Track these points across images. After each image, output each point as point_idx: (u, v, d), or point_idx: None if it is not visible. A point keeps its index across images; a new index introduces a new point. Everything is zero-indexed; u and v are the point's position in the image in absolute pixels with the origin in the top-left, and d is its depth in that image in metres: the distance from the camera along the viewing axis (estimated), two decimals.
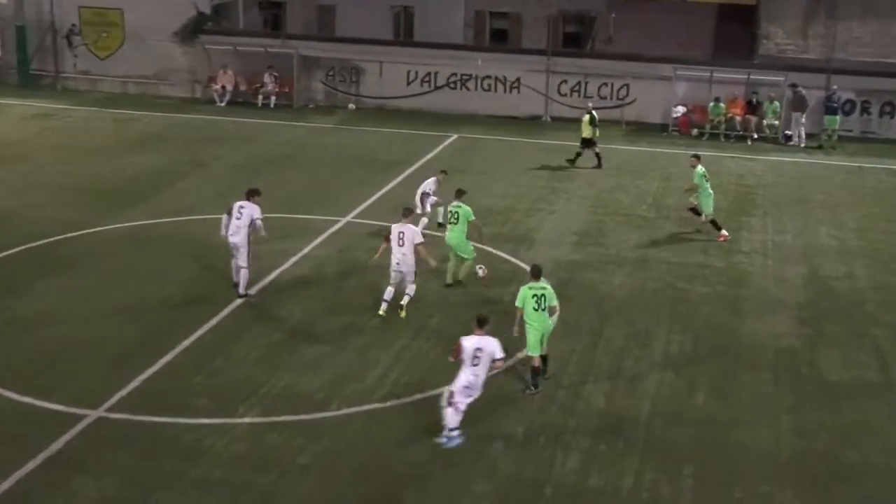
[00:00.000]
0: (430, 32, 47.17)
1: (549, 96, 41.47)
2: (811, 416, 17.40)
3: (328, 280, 23.05)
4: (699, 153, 28.42)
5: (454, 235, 22.39)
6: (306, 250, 24.74)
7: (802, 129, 38.26)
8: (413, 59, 42.93)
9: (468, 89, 42.59)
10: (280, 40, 44.58)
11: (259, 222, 21.45)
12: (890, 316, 21.96)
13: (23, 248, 24.37)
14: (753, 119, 38.94)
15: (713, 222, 26.84)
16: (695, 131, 39.51)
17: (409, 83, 42.96)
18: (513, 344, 18.09)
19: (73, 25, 45.80)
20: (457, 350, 15.98)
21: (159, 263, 23.63)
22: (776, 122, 38.88)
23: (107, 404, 16.91)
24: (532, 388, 17.84)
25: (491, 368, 16.17)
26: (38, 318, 20.50)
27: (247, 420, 16.66)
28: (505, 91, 42.33)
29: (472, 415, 16.65)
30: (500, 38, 49.77)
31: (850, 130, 39.15)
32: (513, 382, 18.11)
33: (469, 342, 15.94)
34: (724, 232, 26.67)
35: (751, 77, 39.68)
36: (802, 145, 38.02)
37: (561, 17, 47.60)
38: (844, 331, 21.10)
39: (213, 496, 14.70)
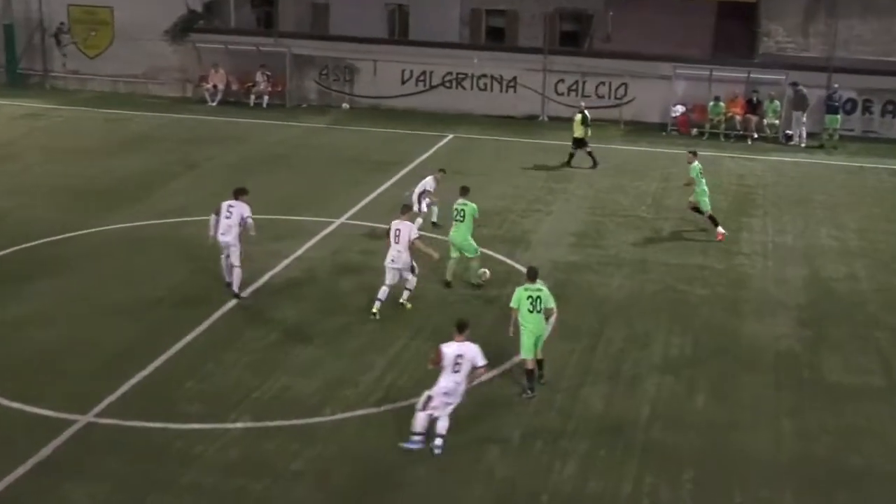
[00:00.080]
0: (425, 31, 47.10)
1: (546, 95, 41.50)
2: (812, 419, 17.42)
3: (322, 282, 23.05)
4: (695, 150, 28.52)
5: (459, 233, 22.44)
6: (300, 252, 24.73)
7: (803, 128, 38.33)
8: (408, 58, 42.94)
9: (464, 88, 42.61)
10: (272, 39, 44.57)
11: (250, 221, 21.54)
12: (892, 317, 21.99)
13: (12, 250, 24.34)
14: (754, 118, 38.98)
15: (711, 218, 26.95)
16: (694, 131, 39.56)
17: (403, 82, 42.98)
18: (508, 347, 18.13)
19: (62, 24, 45.77)
20: (437, 356, 15.90)
21: (151, 265, 23.61)
22: (777, 122, 38.93)
23: (96, 409, 16.87)
24: (528, 391, 17.84)
25: (472, 377, 16.09)
26: (28, 321, 20.46)
27: (239, 425, 16.63)
28: (501, 90, 42.36)
29: (467, 419, 16.70)
30: (496, 36, 49.68)
31: (852, 130, 39.22)
32: (509, 386, 18.10)
33: (449, 349, 15.87)
34: (720, 230, 26.75)
35: (751, 76, 39.75)
36: (803, 145, 38.08)
37: (558, 15, 47.50)
38: (845, 333, 21.13)
39: (205, 503, 14.68)
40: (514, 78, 41.95)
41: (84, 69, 45.94)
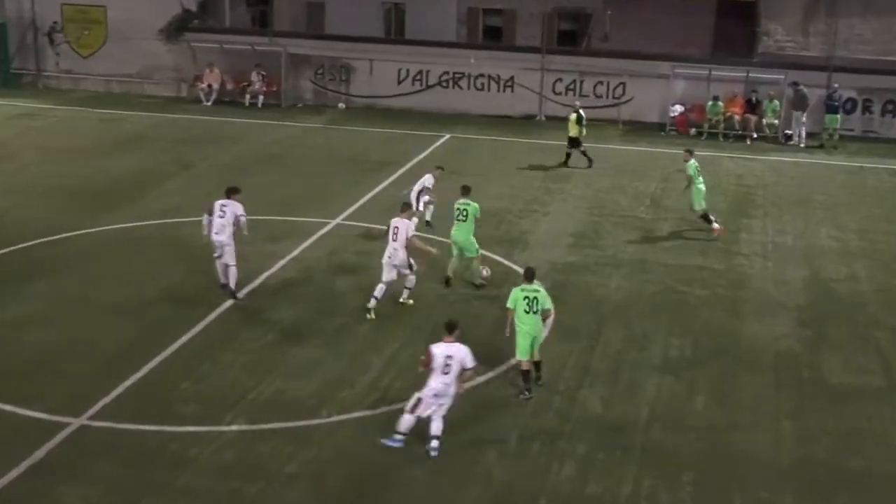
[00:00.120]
0: (422, 30, 47.11)
1: (544, 95, 41.49)
2: (812, 421, 17.41)
3: (318, 283, 23.03)
4: (691, 148, 28.58)
5: (462, 233, 22.45)
6: (296, 252, 24.71)
7: (803, 128, 38.33)
8: (404, 57, 42.92)
9: (461, 88, 42.60)
10: (268, 38, 44.54)
11: (243, 219, 21.57)
12: (892, 318, 21.99)
13: (7, 250, 24.31)
14: (753, 118, 38.99)
15: (704, 216, 27.04)
16: (693, 131, 39.56)
17: (400, 82, 42.97)
18: (505, 349, 18.12)
19: (55, 23, 45.73)
20: (427, 358, 15.86)
21: (146, 266, 23.58)
22: (776, 122, 38.94)
23: (90, 412, 16.84)
24: (525, 392, 17.82)
25: (462, 379, 16.02)
26: (22, 322, 20.43)
27: (234, 428, 16.60)
28: (498, 90, 42.36)
29: (464, 421, 16.71)
30: (493, 35, 49.72)
31: (852, 129, 39.23)
32: (506, 388, 18.09)
33: (439, 349, 15.84)
34: (716, 225, 26.83)
35: (750, 75, 39.75)
36: (803, 145, 38.10)
37: (556, 14, 47.55)
38: (846, 333, 21.13)
39: None
40: (512, 77, 41.96)
41: (77, 69, 45.90)
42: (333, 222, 27.06)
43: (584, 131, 34.07)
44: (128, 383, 17.84)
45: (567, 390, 18.19)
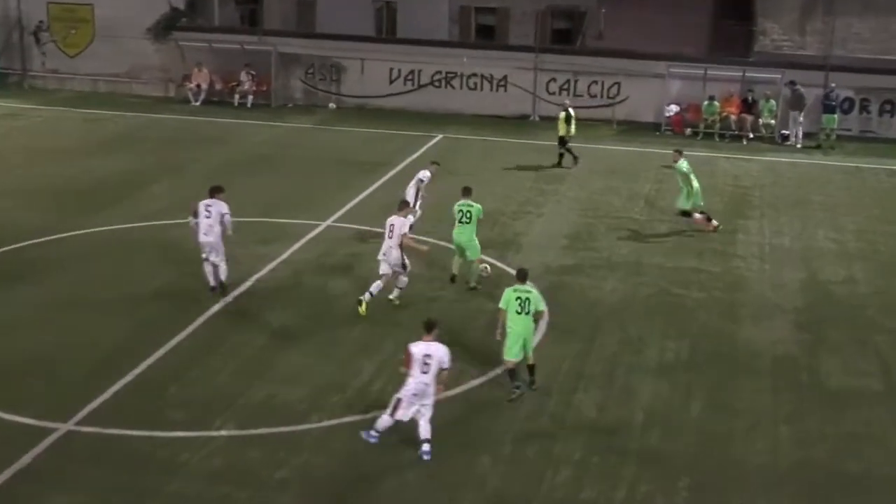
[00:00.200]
0: (414, 28, 47.15)
1: (538, 95, 41.52)
2: (811, 425, 17.42)
3: (309, 286, 23.01)
4: (680, 148, 28.71)
5: (465, 234, 22.52)
6: (286, 255, 24.69)
7: (800, 128, 38.40)
8: (396, 57, 42.96)
9: (453, 88, 42.66)
10: (257, 37, 44.57)
11: (228, 218, 21.64)
12: (891, 321, 22.02)
13: None
14: (749, 118, 39.07)
15: (684, 213, 27.34)
16: (688, 131, 39.62)
17: (391, 81, 43.00)
18: (499, 352, 18.11)
19: (41, 22, 45.71)
20: (407, 358, 15.88)
21: (133, 269, 23.54)
22: (772, 122, 39.01)
23: (77, 417, 16.80)
24: (514, 390, 17.86)
25: (440, 380, 15.98)
26: (6, 327, 20.37)
27: (224, 433, 16.57)
28: (491, 89, 42.40)
29: (458, 425, 16.75)
30: (486, 34, 49.77)
31: (849, 129, 39.32)
32: (499, 391, 18.04)
33: (417, 348, 15.87)
34: (697, 216, 27.16)
35: (746, 74, 39.83)
36: (799, 145, 38.18)
37: (549, 13, 47.63)
38: (844, 337, 21.15)
39: None
40: (505, 77, 41.99)
41: (64, 68, 45.90)
42: (324, 224, 27.04)
43: (573, 130, 34.12)
44: (116, 388, 17.81)
45: (561, 394, 18.19)
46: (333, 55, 43.34)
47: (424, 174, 25.88)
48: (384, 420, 15.97)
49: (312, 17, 50.32)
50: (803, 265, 25.25)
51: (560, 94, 40.74)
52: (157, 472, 15.41)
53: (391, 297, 21.56)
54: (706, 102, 39.16)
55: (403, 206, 21.98)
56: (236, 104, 42.72)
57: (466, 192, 23.03)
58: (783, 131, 38.78)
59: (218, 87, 43.33)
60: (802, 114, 38.37)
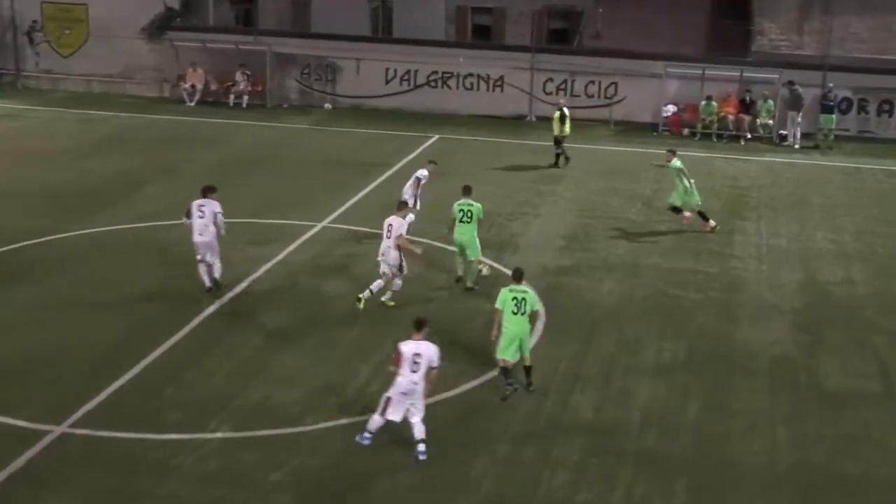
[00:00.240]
0: (410, 28, 47.17)
1: (534, 95, 41.53)
2: (809, 427, 17.43)
3: (304, 287, 23.01)
4: (674, 148, 28.81)
5: (466, 234, 22.56)
6: (281, 256, 24.69)
7: (798, 128, 38.42)
8: (392, 57, 42.98)
9: (449, 88, 42.67)
10: (252, 37, 44.56)
11: (220, 217, 21.76)
12: (890, 322, 22.04)
13: None
14: (747, 118, 39.10)
15: (674, 208, 27.50)
16: (686, 131, 39.65)
17: (387, 81, 43.01)
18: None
19: (35, 21, 45.69)
20: (396, 357, 15.95)
21: (127, 271, 23.53)
22: (770, 122, 39.05)
23: (71, 419, 16.78)
24: (507, 388, 17.92)
25: (429, 379, 16.00)
26: (1, 328, 20.36)
27: (219, 435, 16.57)
28: (488, 90, 42.43)
29: (454, 427, 16.75)
30: (482, 34, 49.80)
31: (847, 130, 39.37)
32: (496, 393, 18.04)
33: (407, 347, 15.93)
34: (687, 214, 27.33)
35: (744, 74, 39.88)
36: (797, 146, 38.20)
37: (546, 12, 47.65)
38: (843, 338, 21.16)
39: None
40: (501, 77, 42.03)
41: (58, 68, 45.88)
42: (320, 225, 27.04)
43: (568, 129, 34.14)
44: (110, 390, 17.80)
45: (558, 395, 18.20)
46: (329, 55, 43.35)
47: (422, 173, 25.92)
48: (375, 420, 16.02)
49: (308, 16, 50.30)
50: (801, 266, 25.27)
51: (557, 94, 40.71)
52: (152, 475, 15.40)
53: (384, 298, 21.59)
54: (704, 102, 39.18)
55: (402, 207, 22.09)
56: (231, 104, 42.72)
57: (467, 191, 23.07)
58: (781, 131, 38.81)
59: (213, 87, 43.33)
60: (801, 114, 38.39)
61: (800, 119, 38.40)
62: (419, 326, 16.17)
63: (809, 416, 17.83)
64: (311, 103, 43.38)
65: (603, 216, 28.81)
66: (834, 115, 38.29)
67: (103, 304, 21.61)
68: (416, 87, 42.77)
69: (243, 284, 22.78)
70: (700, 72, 39.63)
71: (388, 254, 21.20)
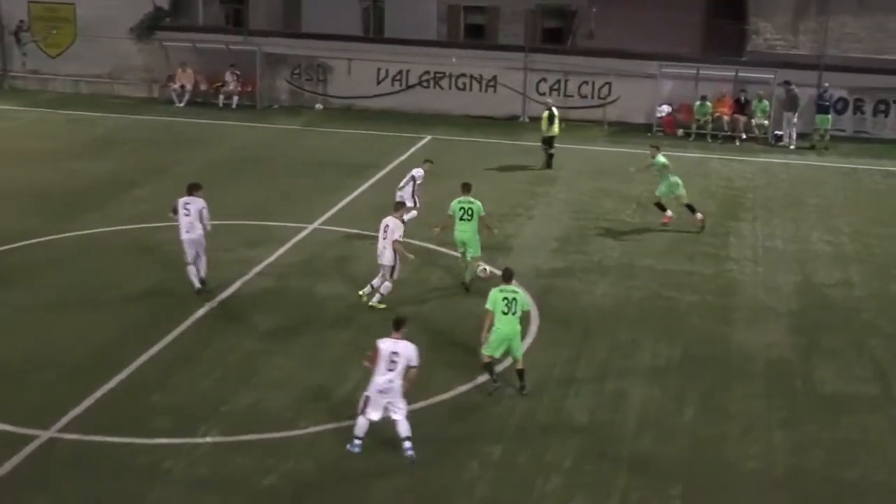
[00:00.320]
0: (402, 28, 47.17)
1: (528, 95, 41.53)
2: (806, 431, 17.44)
3: (295, 290, 22.97)
4: (657, 143, 29.22)
5: (468, 232, 22.69)
6: (271, 259, 24.65)
7: (794, 129, 38.45)
8: (383, 57, 42.96)
9: (442, 88, 42.66)
10: (242, 37, 44.51)
11: (206, 213, 21.90)
12: (887, 325, 22.07)
13: None
14: (742, 118, 39.13)
15: (658, 204, 27.73)
16: (680, 132, 39.66)
17: (379, 82, 42.99)
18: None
19: (22, 21, 45.61)
20: (374, 354, 15.99)
21: (116, 273, 23.49)
22: (766, 122, 39.08)
23: (59, 424, 16.73)
24: (493, 383, 18.03)
25: (408, 378, 16.03)
26: None
27: (209, 440, 16.53)
28: (481, 90, 42.42)
29: (446, 432, 16.74)
30: (475, 33, 49.81)
31: (843, 130, 39.43)
32: (489, 398, 18.04)
33: (385, 345, 15.98)
34: (668, 213, 27.59)
35: (739, 74, 39.90)
36: (793, 146, 38.23)
37: (540, 11, 47.66)
38: (839, 341, 21.17)
39: None
40: (494, 77, 42.03)
41: (45, 69, 45.81)
42: (311, 227, 27.01)
43: (557, 129, 34.16)
44: (98, 394, 17.75)
45: (552, 399, 18.19)
46: (320, 55, 43.32)
47: (418, 172, 25.95)
48: (360, 423, 16.05)
49: (298, 16, 50.28)
50: (797, 268, 25.29)
51: (550, 94, 40.65)
52: (141, 480, 15.35)
53: (373, 301, 21.55)
54: (698, 103, 39.21)
55: (399, 208, 22.17)
56: (221, 105, 42.67)
57: (466, 188, 23.14)
58: (776, 132, 38.82)
59: (202, 87, 43.29)
60: (796, 115, 38.42)
61: (796, 119, 38.43)
62: (398, 325, 16.26)
63: (806, 419, 17.84)
64: (301, 104, 43.34)
65: (597, 218, 28.81)
66: (830, 116, 38.32)
67: (92, 306, 21.57)
68: (408, 87, 42.76)
69: (234, 287, 22.75)
70: (695, 72, 39.67)
71: (383, 254, 21.33)
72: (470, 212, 22.64)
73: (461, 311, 21.60)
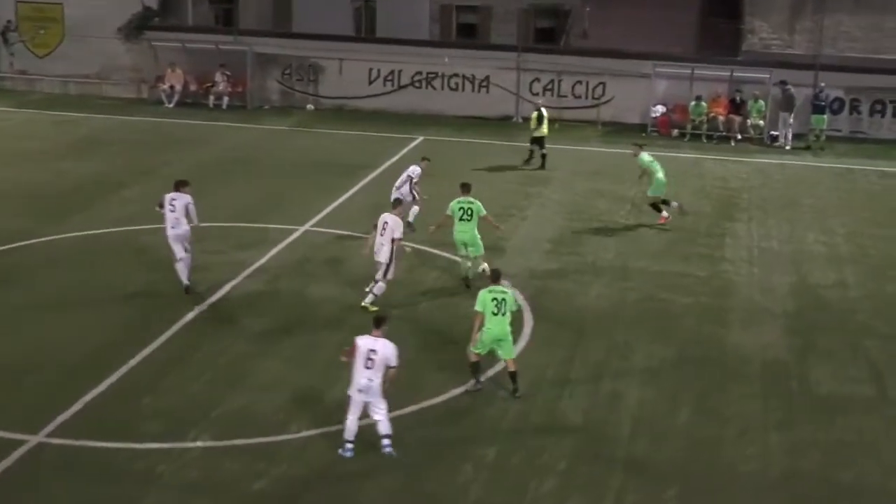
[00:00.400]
0: (393, 28, 47.21)
1: (521, 95, 41.56)
2: (801, 433, 17.48)
3: (286, 292, 22.98)
4: (640, 142, 29.51)
5: (468, 232, 22.77)
6: (262, 261, 24.65)
7: (790, 129, 38.51)
8: (375, 57, 42.99)
9: (434, 88, 42.69)
10: (232, 37, 44.54)
11: (192, 207, 22.09)
12: (883, 326, 22.13)
13: None
14: (737, 119, 39.21)
15: (654, 205, 27.90)
16: (675, 132, 39.72)
17: (371, 82, 43.02)
18: (482, 358, 18.16)
19: (9, 22, 45.59)
20: (351, 349, 16.06)
21: (105, 276, 23.47)
22: (761, 122, 39.14)
23: (47, 429, 16.72)
24: (477, 383, 18.17)
25: (387, 378, 16.08)
26: None
27: (199, 444, 16.53)
28: (473, 90, 42.47)
29: (439, 435, 16.76)
30: (467, 33, 49.89)
31: (839, 130, 39.50)
32: (483, 401, 18.07)
33: (363, 342, 16.03)
34: (664, 214, 27.72)
35: (734, 74, 39.98)
36: (788, 147, 38.30)
37: (533, 11, 47.72)
38: (835, 342, 21.22)
39: None
40: (487, 77, 42.06)
41: (33, 69, 45.79)
42: (302, 229, 27.02)
43: (545, 130, 34.21)
44: (87, 398, 17.74)
45: (546, 401, 18.22)
46: (311, 55, 43.34)
47: (414, 170, 26.02)
48: (348, 426, 16.08)
49: (289, 16, 50.32)
50: (793, 269, 25.34)
51: (544, 94, 40.78)
52: (132, 485, 15.35)
53: (365, 302, 21.57)
54: (693, 103, 39.28)
55: (397, 205, 22.31)
56: (211, 106, 42.67)
57: (466, 188, 23.23)
58: (772, 132, 38.89)
59: (192, 88, 43.28)
60: (792, 115, 38.48)
61: (792, 120, 38.50)
62: (378, 323, 16.35)
63: (802, 420, 17.88)
64: (292, 104, 43.36)
65: (591, 219, 28.86)
66: (825, 116, 38.38)
67: (80, 309, 21.56)
68: (401, 87, 42.79)
69: (224, 289, 22.75)
70: (689, 71, 39.72)
71: (380, 251, 21.39)
72: (469, 212, 22.70)
73: (455, 313, 21.60)
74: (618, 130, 40.00)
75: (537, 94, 40.79)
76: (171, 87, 42.88)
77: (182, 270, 22.14)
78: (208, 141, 37.13)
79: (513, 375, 18.12)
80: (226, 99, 42.77)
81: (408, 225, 25.31)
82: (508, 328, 18.07)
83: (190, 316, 21.30)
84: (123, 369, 18.83)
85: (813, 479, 16.19)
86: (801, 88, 38.75)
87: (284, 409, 17.65)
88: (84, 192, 30.03)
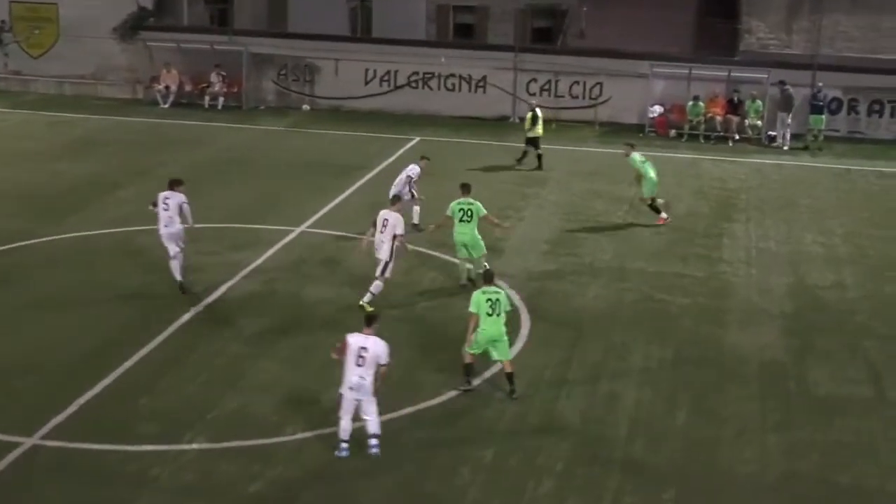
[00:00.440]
0: (390, 28, 47.24)
1: (518, 96, 41.57)
2: (799, 434, 17.50)
3: (282, 293, 22.98)
4: (632, 142, 29.66)
5: (468, 233, 22.76)
6: (258, 262, 24.65)
7: (788, 129, 38.52)
8: (371, 57, 42.97)
9: (431, 88, 42.68)
10: (228, 37, 44.49)
11: (186, 206, 22.19)
12: (881, 326, 22.15)
13: None
14: (735, 119, 39.22)
15: (652, 205, 28.08)
16: (673, 132, 39.73)
17: (367, 82, 42.99)
18: (479, 360, 18.18)
19: (3, 21, 45.56)
20: (342, 346, 16.10)
21: (100, 277, 23.47)
22: (759, 123, 39.16)
23: (42, 431, 16.72)
24: (467, 384, 18.18)
25: (378, 376, 16.10)
26: None
27: (195, 446, 16.54)
28: (470, 90, 42.46)
29: (436, 436, 16.77)
30: (464, 33, 49.91)
31: (837, 130, 39.50)
32: (480, 402, 18.09)
33: (354, 339, 16.07)
34: (663, 215, 27.91)
35: (732, 74, 40.01)
36: (786, 147, 38.32)
37: (530, 11, 47.75)
38: (833, 343, 21.25)
39: None
40: (484, 77, 42.05)
41: (27, 70, 45.74)
42: (298, 230, 27.02)
43: (540, 130, 34.21)
44: (82, 400, 17.74)
45: (544, 402, 18.23)
46: (307, 55, 43.32)
47: (413, 170, 26.04)
48: (342, 426, 16.11)
49: (285, 16, 50.32)
50: (790, 269, 25.37)
51: (541, 94, 40.78)
52: (127, 487, 15.35)
53: (362, 301, 21.56)
54: (691, 103, 39.29)
55: (395, 202, 22.42)
56: (206, 106, 42.65)
57: (466, 189, 23.25)
58: (770, 132, 38.92)
59: (187, 88, 43.25)
60: (790, 115, 38.51)
61: (789, 120, 38.52)
62: (369, 321, 16.41)
63: (800, 422, 17.90)
64: (288, 105, 43.35)
65: (588, 219, 28.88)
66: (823, 116, 38.38)
67: (76, 310, 21.55)
68: (397, 87, 42.79)
69: (220, 291, 22.76)
70: (687, 71, 39.74)
71: (380, 248, 21.44)
72: (469, 213, 22.72)
73: (452, 314, 21.56)
74: (615, 131, 39.98)
75: (534, 95, 40.82)
76: (167, 87, 42.87)
77: (176, 268, 22.21)
78: (204, 141, 37.12)
79: (510, 376, 18.14)
80: (221, 99, 42.75)
81: (414, 227, 25.37)
82: (504, 328, 18.09)
83: (186, 317, 21.30)
84: (119, 370, 18.84)
85: (811, 480, 16.21)
86: (799, 88, 38.77)
87: (280, 410, 17.66)
88: (79, 192, 30.02)
